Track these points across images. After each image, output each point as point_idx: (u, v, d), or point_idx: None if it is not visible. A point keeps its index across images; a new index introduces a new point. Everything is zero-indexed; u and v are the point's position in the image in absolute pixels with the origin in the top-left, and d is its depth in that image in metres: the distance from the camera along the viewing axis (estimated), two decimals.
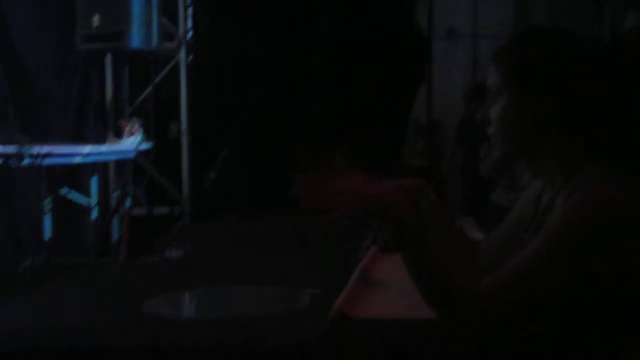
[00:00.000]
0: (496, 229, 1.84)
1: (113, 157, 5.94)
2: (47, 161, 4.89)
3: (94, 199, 5.87)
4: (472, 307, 1.48)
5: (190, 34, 6.15)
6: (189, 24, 6.17)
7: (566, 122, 1.57)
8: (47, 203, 5.38)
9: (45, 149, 4.83)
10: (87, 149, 5.31)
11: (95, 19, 5.49)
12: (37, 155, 4.73)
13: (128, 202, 5.77)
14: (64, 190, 5.68)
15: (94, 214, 5.92)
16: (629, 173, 1.54)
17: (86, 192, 5.87)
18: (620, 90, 1.58)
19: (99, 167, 6.03)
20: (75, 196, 5.79)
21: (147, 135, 5.86)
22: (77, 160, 5.25)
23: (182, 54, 5.99)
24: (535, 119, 1.57)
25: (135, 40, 5.58)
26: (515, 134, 1.61)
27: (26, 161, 4.73)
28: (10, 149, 4.77)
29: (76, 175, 5.97)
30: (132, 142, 5.74)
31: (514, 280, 1.48)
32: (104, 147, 5.60)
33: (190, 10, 6.20)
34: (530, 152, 1.62)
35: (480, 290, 1.49)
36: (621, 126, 1.58)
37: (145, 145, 5.81)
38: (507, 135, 1.62)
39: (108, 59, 6.11)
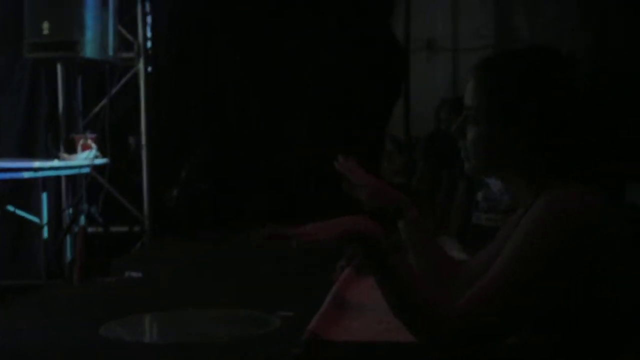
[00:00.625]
0: (480, 250, 1.87)
1: (65, 173, 5.87)
2: None
3: (44, 217, 5.81)
4: (446, 327, 1.50)
5: (149, 43, 6.12)
6: (148, 32, 6.15)
7: (537, 142, 1.62)
8: None
9: None
10: (37, 163, 5.25)
11: (45, 26, 5.41)
12: None
13: (82, 220, 5.70)
14: (11, 208, 5.60)
15: (45, 233, 5.85)
16: (593, 188, 1.58)
17: (36, 210, 5.80)
18: (586, 109, 1.64)
19: (50, 183, 5.97)
20: (25, 214, 5.72)
21: (102, 150, 5.81)
22: (26, 175, 5.19)
23: (141, 64, 5.96)
24: (508, 140, 1.63)
25: (90, 49, 5.52)
26: (487, 155, 1.68)
27: None
28: None
29: (25, 191, 5.90)
30: (86, 156, 5.68)
31: (485, 297, 1.50)
32: (55, 162, 5.54)
33: (149, 19, 6.18)
34: (500, 169, 1.70)
35: (455, 310, 1.51)
36: (586, 144, 1.63)
37: (100, 160, 5.77)
38: (479, 155, 1.69)
39: (59, 68, 6.05)
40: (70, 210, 5.97)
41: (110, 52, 5.73)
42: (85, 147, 5.72)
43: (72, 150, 5.80)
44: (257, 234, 1.56)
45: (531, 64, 1.66)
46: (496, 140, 1.66)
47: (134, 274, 3.86)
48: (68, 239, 5.88)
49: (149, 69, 6.09)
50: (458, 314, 1.50)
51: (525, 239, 1.53)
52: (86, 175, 5.82)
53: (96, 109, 6.02)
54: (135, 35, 6.00)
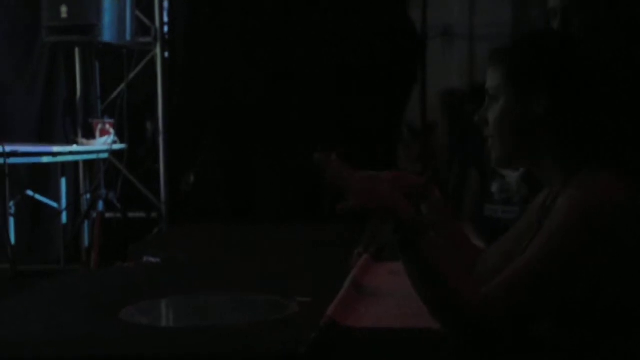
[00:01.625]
0: (498, 241, 1.86)
1: (84, 158, 5.90)
2: (12, 161, 4.85)
3: (63, 202, 5.84)
4: (470, 312, 1.50)
5: (166, 28, 6.13)
6: (165, 17, 6.15)
7: (562, 124, 1.62)
8: (13, 206, 5.34)
9: (9, 147, 4.78)
10: (55, 148, 5.27)
11: (63, 10, 5.42)
12: (1, 154, 4.68)
13: (100, 206, 5.73)
14: (30, 193, 5.63)
15: (64, 218, 5.88)
16: (627, 175, 1.57)
17: (55, 195, 5.83)
18: (615, 94, 1.62)
19: (68, 169, 6.00)
20: (43, 199, 5.75)
21: (120, 135, 5.83)
22: (45, 160, 5.21)
23: (158, 49, 5.97)
24: (531, 121, 1.62)
25: (107, 34, 5.54)
26: (512, 136, 1.66)
27: None
28: None
29: (44, 176, 5.93)
30: (104, 142, 5.71)
31: (511, 285, 1.50)
32: (74, 147, 5.57)
33: (166, 3, 6.18)
34: (527, 154, 1.67)
35: (480, 296, 1.50)
36: (618, 129, 1.61)
37: (118, 146, 5.79)
38: (504, 137, 1.67)
39: (77, 53, 6.07)
40: (89, 196, 6.00)
41: (128, 37, 5.75)
42: (104, 133, 5.75)
43: (90, 135, 5.83)
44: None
45: (553, 45, 1.64)
46: (520, 121, 1.64)
47: (152, 259, 3.86)
48: (86, 224, 5.91)
49: (166, 54, 6.09)
50: (482, 300, 1.50)
51: (553, 231, 1.52)
52: (104, 160, 5.85)
53: (114, 94, 6.04)
54: (152, 20, 6.01)
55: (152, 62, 5.98)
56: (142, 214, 5.93)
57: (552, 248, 1.50)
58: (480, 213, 4.12)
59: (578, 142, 1.61)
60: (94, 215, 5.69)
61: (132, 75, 5.93)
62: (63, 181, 5.87)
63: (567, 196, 1.55)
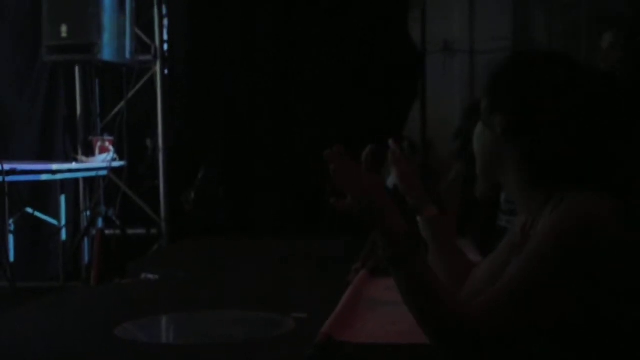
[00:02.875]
0: (490, 255, 1.86)
1: (83, 175, 5.91)
2: (11, 178, 4.86)
3: (62, 220, 5.84)
4: (460, 328, 1.49)
5: (166, 46, 6.15)
6: (165, 35, 6.18)
7: (523, 144, 1.59)
8: (12, 223, 5.35)
9: (8, 165, 4.80)
10: (55, 166, 5.28)
11: (63, 30, 5.46)
12: (0, 172, 4.70)
13: (100, 223, 5.74)
14: (29, 210, 5.64)
15: (63, 236, 5.88)
16: (609, 194, 1.54)
17: (54, 212, 5.84)
18: (602, 116, 1.60)
19: (68, 186, 6.01)
20: (43, 216, 5.75)
21: (120, 152, 5.84)
22: (45, 177, 5.22)
23: (157, 67, 5.99)
24: (493, 142, 1.63)
25: (107, 52, 5.56)
26: (484, 162, 1.67)
27: None
28: None
29: (44, 194, 5.94)
30: (103, 159, 5.72)
31: (499, 300, 1.49)
32: (73, 165, 5.58)
33: (166, 21, 6.21)
34: (498, 178, 1.67)
35: (469, 311, 1.51)
36: (601, 150, 1.59)
37: (118, 163, 5.80)
38: (481, 164, 1.68)
39: (77, 71, 6.09)
40: (88, 213, 6.00)
41: (128, 55, 5.77)
42: (103, 150, 5.76)
43: (89, 152, 5.85)
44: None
45: (544, 68, 1.63)
46: (486, 145, 1.65)
47: (151, 276, 3.87)
48: (86, 241, 5.91)
49: (166, 71, 6.12)
50: (472, 315, 1.50)
51: (540, 245, 1.51)
52: (104, 177, 5.86)
53: (114, 112, 6.06)
54: (152, 38, 6.03)
55: (152, 79, 6.00)
56: (141, 231, 5.94)
57: (532, 267, 1.49)
58: (492, 222, 4.11)
59: (545, 163, 1.59)
60: (94, 232, 5.69)
61: (131, 92, 5.95)
62: (62, 198, 5.87)
63: (547, 217, 1.55)
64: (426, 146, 6.13)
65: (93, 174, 5.78)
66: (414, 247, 1.54)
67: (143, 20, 6.03)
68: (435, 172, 6.21)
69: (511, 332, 1.50)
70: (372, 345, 2.22)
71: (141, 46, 6.00)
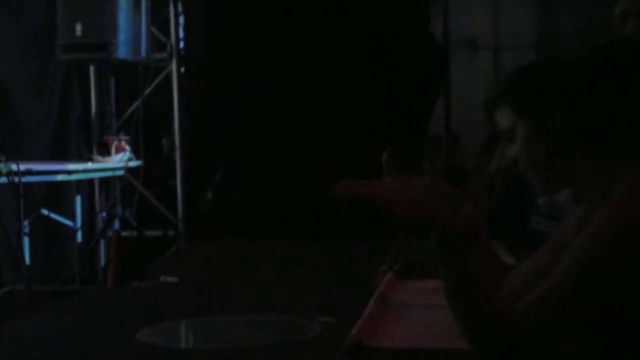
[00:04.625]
0: (532, 257, 1.84)
1: (99, 175, 5.90)
2: (27, 179, 4.84)
3: (78, 221, 5.83)
4: (504, 330, 1.47)
5: (182, 43, 6.13)
6: (181, 33, 6.16)
7: (582, 135, 1.61)
8: (27, 225, 5.33)
9: (24, 166, 4.78)
10: (70, 166, 5.27)
11: (78, 28, 5.45)
12: (16, 173, 4.68)
13: (116, 224, 5.72)
14: (44, 211, 5.63)
15: (79, 237, 5.87)
16: None
17: (70, 214, 5.83)
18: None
19: (83, 186, 5.99)
20: (58, 218, 5.74)
21: (136, 152, 5.83)
22: (60, 178, 5.21)
23: (173, 65, 5.97)
24: (555, 143, 1.63)
25: (123, 50, 5.55)
26: (545, 166, 1.67)
27: (3, 179, 4.68)
28: None
29: (59, 195, 5.93)
30: (119, 159, 5.70)
31: (544, 302, 1.47)
32: (89, 165, 5.57)
33: (181, 19, 6.19)
34: (564, 177, 1.67)
35: (513, 313, 1.48)
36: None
37: (134, 163, 5.78)
38: (538, 169, 1.68)
39: (92, 70, 6.09)
40: (104, 214, 6.00)
41: (143, 53, 5.75)
42: (119, 149, 5.74)
43: (105, 152, 5.83)
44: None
45: (546, 67, 1.71)
46: (544, 149, 1.65)
47: (169, 279, 3.85)
48: (102, 243, 5.90)
49: (182, 69, 6.09)
50: (515, 317, 1.47)
51: (587, 245, 1.49)
52: (120, 178, 5.84)
53: (129, 111, 6.04)
54: (167, 36, 6.01)
55: (168, 78, 5.98)
56: (159, 232, 5.91)
57: (584, 262, 1.47)
58: (524, 224, 4.06)
59: (606, 152, 1.60)
60: (110, 233, 5.68)
61: (147, 91, 5.93)
62: (78, 199, 5.86)
63: (602, 209, 1.52)
64: (451, 144, 6.08)
65: (109, 174, 5.77)
66: (468, 241, 1.50)
67: (159, 18, 6.01)
68: (462, 171, 6.18)
69: (560, 330, 1.47)
70: (406, 350, 2.18)
71: (157, 44, 5.98)
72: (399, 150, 1.62)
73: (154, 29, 5.95)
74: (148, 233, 5.74)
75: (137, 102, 5.93)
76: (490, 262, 1.88)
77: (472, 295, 1.50)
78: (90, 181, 6.05)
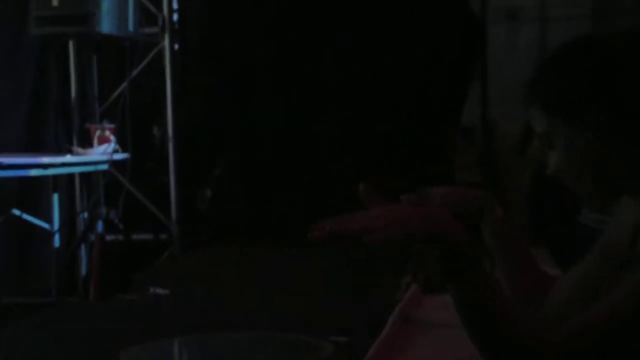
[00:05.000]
0: (576, 264, 1.83)
1: (80, 170, 5.94)
2: None
3: (55, 223, 5.88)
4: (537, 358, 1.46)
5: (176, 16, 6.16)
6: (175, 4, 6.18)
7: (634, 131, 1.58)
8: None
9: None
10: (46, 159, 5.31)
11: None
12: None
13: (99, 227, 5.76)
14: (16, 212, 5.68)
15: (56, 242, 5.92)
16: None
17: (46, 214, 5.87)
18: None
19: (61, 183, 6.04)
20: (32, 219, 5.79)
21: (122, 143, 5.86)
22: (34, 173, 5.25)
23: (166, 41, 5.99)
24: (602, 147, 1.60)
25: (106, 23, 5.58)
26: (592, 174, 1.63)
27: None
28: None
29: (33, 192, 5.98)
30: (103, 151, 5.74)
31: (588, 330, 1.47)
32: (67, 158, 5.60)
33: None
34: (619, 185, 1.64)
35: (547, 340, 1.47)
36: None
37: (120, 155, 5.82)
38: (583, 179, 1.64)
39: (71, 47, 6.12)
40: (86, 215, 6.04)
41: (131, 27, 5.79)
42: (103, 140, 5.78)
43: (87, 143, 5.87)
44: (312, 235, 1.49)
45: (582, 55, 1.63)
46: (589, 153, 1.61)
47: (160, 291, 3.89)
48: (83, 248, 5.94)
49: (176, 46, 6.12)
50: (553, 345, 1.46)
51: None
52: (104, 172, 5.88)
53: (115, 94, 6.08)
54: (159, 7, 6.04)
55: (160, 56, 6.01)
56: (149, 236, 5.96)
57: (626, 305, 1.45)
58: (571, 225, 4.08)
59: None
60: (92, 237, 5.72)
61: (135, 71, 5.97)
62: (55, 198, 5.90)
63: None
64: (488, 133, 6.09)
65: (91, 168, 5.81)
66: (475, 258, 1.50)
67: None
68: (500, 164, 6.19)
69: None
70: None
71: (147, 17, 6.01)
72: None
73: (143, 0, 5.98)
74: (136, 237, 5.78)
75: (123, 85, 5.96)
76: (527, 275, 1.90)
77: (488, 318, 1.49)
78: (70, 177, 6.10)
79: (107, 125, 5.89)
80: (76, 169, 5.89)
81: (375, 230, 1.44)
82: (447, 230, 1.47)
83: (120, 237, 5.61)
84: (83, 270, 5.95)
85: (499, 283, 1.54)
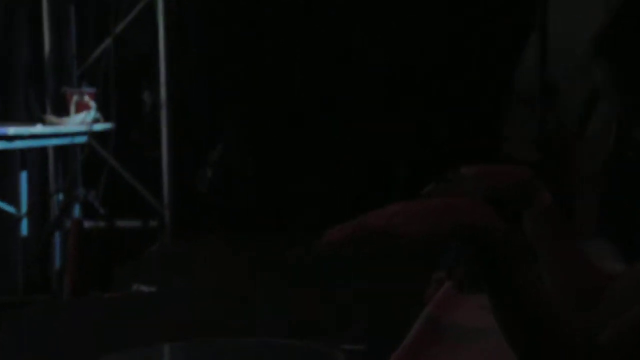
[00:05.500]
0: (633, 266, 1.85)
1: (53, 143, 5.96)
2: None
3: (23, 206, 5.91)
4: None
5: None
6: None
7: None
8: None
9: None
10: (12, 129, 5.33)
11: None
12: None
13: (77, 211, 5.79)
14: None
15: (24, 229, 5.95)
16: None
17: (12, 196, 5.90)
18: None
19: (32, 158, 6.06)
20: None
21: (105, 111, 5.89)
22: None
23: None
24: None
25: None
26: None
27: None
28: None
29: None
30: (82, 120, 5.77)
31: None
32: (38, 128, 5.63)
33: None
34: None
35: (597, 343, 1.51)
36: None
37: (102, 126, 5.84)
38: None
39: None
40: (60, 197, 6.06)
41: None
42: (81, 107, 5.81)
43: (62, 111, 5.90)
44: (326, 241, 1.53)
45: None
46: None
47: (145, 288, 3.91)
48: (57, 237, 5.97)
49: None
50: (603, 347, 1.50)
51: None
52: (82, 146, 5.90)
53: (96, 53, 6.10)
54: None
55: (150, 7, 6.02)
56: (136, 223, 5.99)
57: None
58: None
59: None
60: (68, 224, 5.74)
61: (121, 26, 5.98)
62: (23, 176, 5.94)
63: None
64: (547, 100, 6.07)
65: (67, 141, 5.84)
66: (517, 254, 1.53)
67: None
68: (561, 138, 6.17)
69: None
70: None
71: None
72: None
73: None
74: (120, 224, 5.81)
75: (106, 41, 5.98)
76: (578, 273, 1.92)
77: (530, 322, 1.53)
78: (42, 151, 6.13)
79: (86, 89, 5.91)
80: (49, 142, 5.92)
81: (394, 227, 1.48)
82: (479, 223, 1.50)
83: (102, 223, 5.63)
84: (56, 263, 5.98)
85: (543, 282, 1.56)
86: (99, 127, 5.83)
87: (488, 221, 1.51)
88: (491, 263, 1.51)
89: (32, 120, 5.89)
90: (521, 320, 1.54)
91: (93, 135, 5.79)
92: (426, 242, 1.48)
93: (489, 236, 1.50)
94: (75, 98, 5.86)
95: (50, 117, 5.87)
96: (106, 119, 5.88)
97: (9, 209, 5.85)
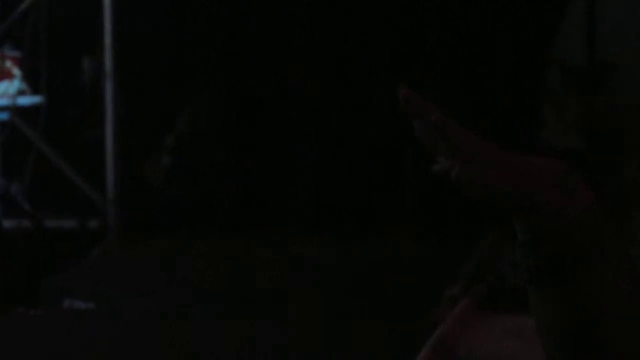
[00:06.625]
0: None
1: None
2: None
3: None
4: None
5: None
6: None
7: None
8: None
9: None
10: None
11: None
12: None
13: None
14: None
15: None
16: None
17: None
18: None
19: None
20: None
21: (33, 81, 5.91)
22: None
23: None
24: None
25: None
26: None
27: None
28: None
29: None
30: (3, 92, 5.78)
31: None
32: None
33: None
34: None
35: None
36: None
37: (28, 99, 5.86)
38: None
39: None
40: None
41: None
42: (2, 75, 5.82)
43: None
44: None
45: None
46: None
47: (82, 305, 3.92)
48: None
49: None
50: None
51: None
52: (3, 124, 5.91)
53: (21, 7, 6.10)
54: None
55: None
56: (71, 223, 5.99)
57: None
58: None
59: None
60: None
61: None
62: None
63: None
64: (600, 79, 6.12)
65: None
66: (587, 249, 1.54)
67: None
68: (610, 124, 6.23)
69: None
70: None
71: None
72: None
73: None
74: (51, 224, 5.82)
75: None
76: (632, 280, 1.92)
77: (586, 341, 1.55)
78: None
79: (9, 53, 5.92)
80: None
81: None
82: (544, 199, 1.52)
83: (27, 223, 5.65)
84: None
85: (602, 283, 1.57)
86: (25, 100, 5.84)
87: (581, 193, 1.57)
88: (555, 256, 1.52)
89: None
90: (573, 326, 1.55)
91: (17, 110, 5.80)
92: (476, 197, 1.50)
93: (548, 213, 1.53)
94: None
95: None
96: (34, 91, 5.89)
97: None
